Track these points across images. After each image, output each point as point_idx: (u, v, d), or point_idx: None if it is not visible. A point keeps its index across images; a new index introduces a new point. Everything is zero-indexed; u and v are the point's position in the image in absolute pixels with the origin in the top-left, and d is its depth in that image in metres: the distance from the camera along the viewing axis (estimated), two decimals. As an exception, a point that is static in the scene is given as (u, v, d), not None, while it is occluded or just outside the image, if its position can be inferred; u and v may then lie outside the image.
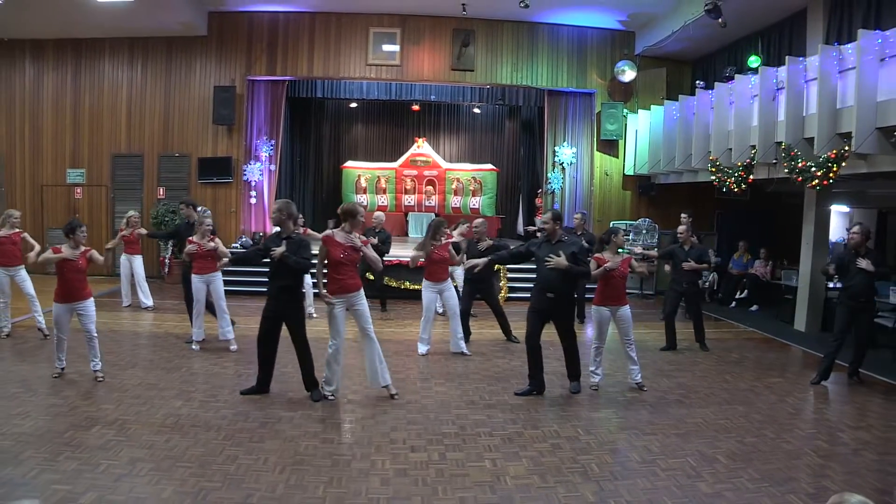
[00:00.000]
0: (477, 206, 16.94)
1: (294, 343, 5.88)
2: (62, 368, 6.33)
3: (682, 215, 9.43)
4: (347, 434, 5.18)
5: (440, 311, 8.80)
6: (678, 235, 8.65)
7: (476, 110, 18.27)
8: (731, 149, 9.92)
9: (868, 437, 5.35)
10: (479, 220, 8.81)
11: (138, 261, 10.21)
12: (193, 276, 7.58)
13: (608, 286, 6.47)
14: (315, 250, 6.05)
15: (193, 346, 7.65)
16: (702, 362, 7.79)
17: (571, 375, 6.47)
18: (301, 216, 9.42)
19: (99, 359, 6.31)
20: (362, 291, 5.94)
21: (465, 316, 8.22)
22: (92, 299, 6.36)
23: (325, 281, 5.95)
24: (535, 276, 6.48)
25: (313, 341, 6.11)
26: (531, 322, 6.26)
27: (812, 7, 9.90)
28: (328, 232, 5.89)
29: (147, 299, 10.16)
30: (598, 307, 6.50)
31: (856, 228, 6.91)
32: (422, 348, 7.71)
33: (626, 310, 6.49)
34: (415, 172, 17.48)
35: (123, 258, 10.25)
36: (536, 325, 6.24)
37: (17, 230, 7.95)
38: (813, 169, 7.79)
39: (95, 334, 6.30)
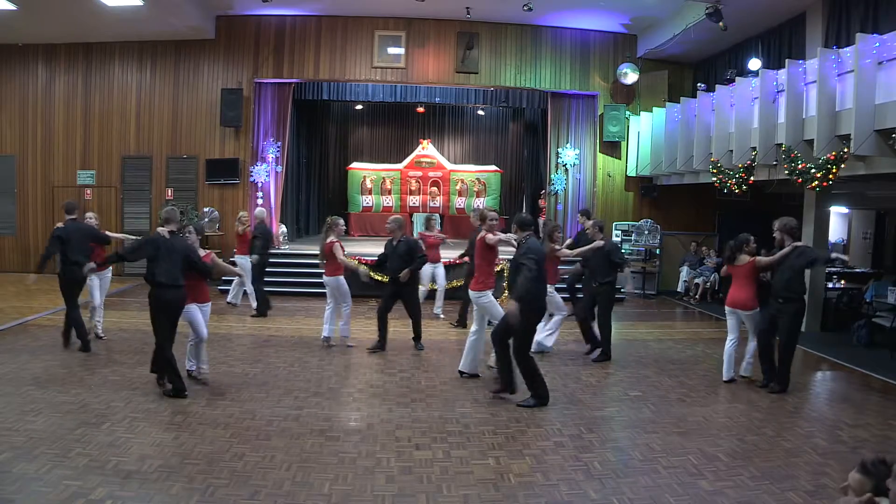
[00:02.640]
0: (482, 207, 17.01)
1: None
2: (195, 368, 6.40)
3: (578, 213, 8.64)
4: (353, 432, 5.25)
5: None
6: (586, 232, 8.16)
7: (480, 112, 18.36)
8: (731, 150, 9.97)
9: (866, 434, 5.41)
10: (393, 216, 8.12)
11: (248, 261, 9.83)
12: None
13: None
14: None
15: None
16: (703, 361, 7.83)
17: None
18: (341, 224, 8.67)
19: (205, 361, 6.42)
20: None
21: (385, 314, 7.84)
22: (210, 302, 6.44)
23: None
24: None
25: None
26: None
27: (811, 11, 9.97)
28: (489, 237, 6.39)
29: (253, 301, 9.89)
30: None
31: (777, 225, 6.55)
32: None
33: (755, 312, 6.75)
34: (420, 173, 17.61)
35: (238, 258, 9.93)
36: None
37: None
38: (812, 170, 7.85)
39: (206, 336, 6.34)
